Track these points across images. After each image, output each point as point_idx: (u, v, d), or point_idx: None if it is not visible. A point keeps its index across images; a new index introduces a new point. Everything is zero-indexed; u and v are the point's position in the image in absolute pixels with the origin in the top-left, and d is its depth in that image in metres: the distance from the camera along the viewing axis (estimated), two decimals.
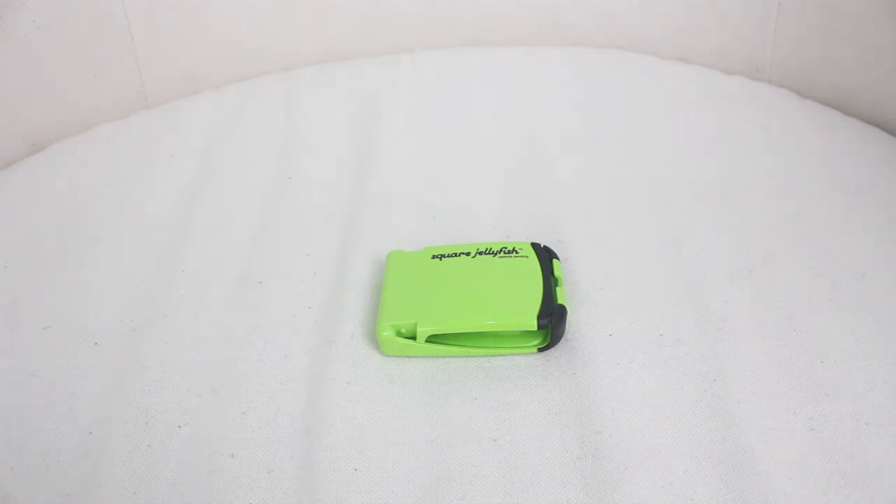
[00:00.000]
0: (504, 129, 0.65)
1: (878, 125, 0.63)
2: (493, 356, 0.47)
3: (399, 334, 0.47)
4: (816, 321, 0.48)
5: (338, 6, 0.73)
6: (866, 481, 0.40)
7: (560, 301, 0.47)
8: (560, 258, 0.52)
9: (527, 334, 0.47)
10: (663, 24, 0.72)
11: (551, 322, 0.46)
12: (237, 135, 0.66)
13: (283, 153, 0.64)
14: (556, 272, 0.50)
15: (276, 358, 0.48)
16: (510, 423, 0.44)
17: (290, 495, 0.41)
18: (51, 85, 0.67)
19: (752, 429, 0.43)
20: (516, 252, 0.50)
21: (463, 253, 0.51)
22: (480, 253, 0.50)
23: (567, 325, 0.47)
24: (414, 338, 0.47)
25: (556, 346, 0.47)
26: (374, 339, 0.48)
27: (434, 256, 0.51)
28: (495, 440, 0.43)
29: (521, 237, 0.55)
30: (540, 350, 0.47)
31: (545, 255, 0.50)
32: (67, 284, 0.53)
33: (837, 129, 0.63)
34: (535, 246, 0.51)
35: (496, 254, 0.50)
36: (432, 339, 0.47)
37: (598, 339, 0.48)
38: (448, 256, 0.51)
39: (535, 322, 0.46)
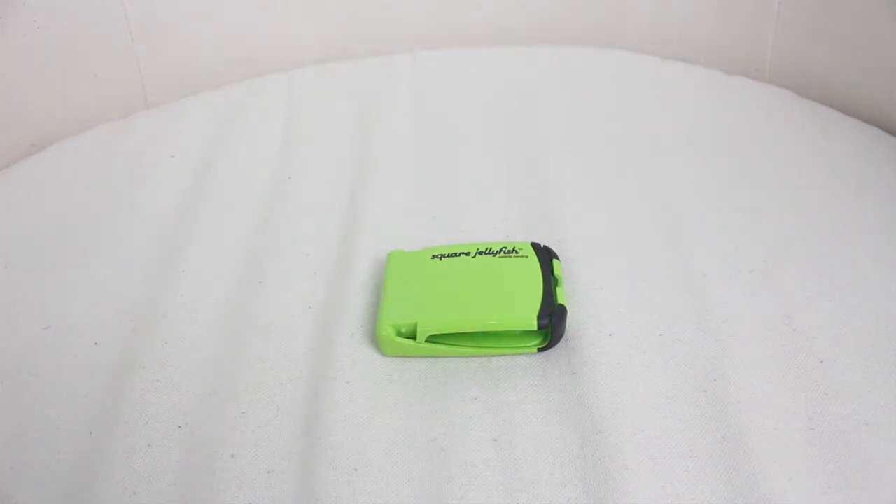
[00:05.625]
0: (504, 129, 0.65)
1: (878, 125, 0.63)
2: (493, 356, 0.47)
3: (399, 334, 0.47)
4: (816, 321, 0.48)
5: (338, 6, 0.73)
6: (866, 481, 0.40)
7: (560, 301, 0.47)
8: (560, 258, 0.52)
9: (527, 334, 0.47)
10: (664, 24, 0.72)
11: (551, 322, 0.46)
12: (237, 135, 0.66)
13: (283, 153, 0.64)
14: (556, 272, 0.50)
15: (276, 358, 0.48)
16: (510, 423, 0.44)
17: (289, 495, 0.41)
18: (51, 85, 0.67)
19: (752, 429, 0.43)
20: (516, 252, 0.50)
21: (463, 253, 0.51)
22: (480, 253, 0.50)
23: (567, 325, 0.47)
24: (414, 338, 0.47)
25: (556, 346, 0.47)
26: (374, 339, 0.48)
27: (434, 256, 0.51)
28: (495, 440, 0.43)
29: (521, 237, 0.55)
30: (540, 350, 0.47)
31: (545, 255, 0.50)
32: (67, 284, 0.53)
33: (837, 129, 0.63)
34: (535, 246, 0.51)
35: (496, 254, 0.50)
36: (432, 338, 0.47)
37: (598, 339, 0.48)
38: (448, 256, 0.51)
39: (535, 322, 0.46)
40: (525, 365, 0.47)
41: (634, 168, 0.60)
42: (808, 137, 0.63)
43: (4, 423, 0.45)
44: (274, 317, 0.51)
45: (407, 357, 0.48)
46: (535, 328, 0.46)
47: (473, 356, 0.47)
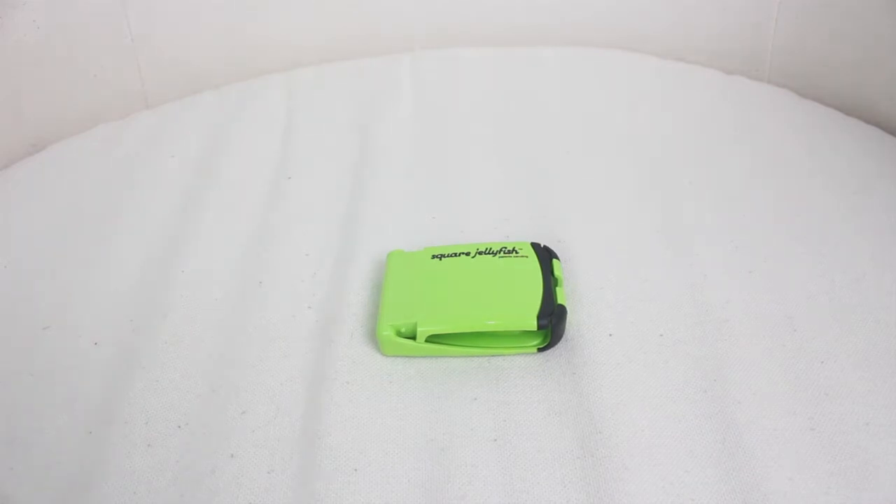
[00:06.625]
0: (504, 128, 0.65)
1: (878, 125, 0.63)
2: (493, 356, 0.47)
3: (399, 334, 0.47)
4: (816, 321, 0.48)
5: (338, 6, 0.73)
6: (866, 481, 0.40)
7: (560, 301, 0.47)
8: (560, 258, 0.52)
9: (527, 334, 0.47)
10: (663, 24, 0.72)
11: (551, 322, 0.46)
12: (237, 135, 0.66)
13: (283, 153, 0.64)
14: (556, 272, 0.49)
15: (276, 358, 0.48)
16: (510, 424, 0.44)
17: (289, 495, 0.41)
18: (51, 85, 0.67)
19: (752, 429, 0.43)
20: (516, 252, 0.50)
21: (463, 253, 0.51)
22: (480, 253, 0.50)
23: (567, 325, 0.47)
24: (414, 338, 0.47)
25: (556, 346, 0.47)
26: (374, 339, 0.48)
27: (434, 256, 0.51)
28: (495, 440, 0.43)
29: (521, 237, 0.55)
30: (540, 350, 0.47)
31: (545, 255, 0.50)
32: (67, 284, 0.53)
33: (837, 129, 0.63)
34: (535, 246, 0.51)
35: (496, 254, 0.50)
36: (432, 338, 0.47)
37: (598, 339, 0.48)
38: (448, 256, 0.51)
39: (535, 322, 0.46)
40: (525, 365, 0.47)
41: (634, 168, 0.60)
42: (808, 137, 0.63)
43: (4, 424, 0.45)
44: (274, 317, 0.51)
45: (407, 357, 0.48)
46: (535, 328, 0.46)
47: (473, 356, 0.47)
